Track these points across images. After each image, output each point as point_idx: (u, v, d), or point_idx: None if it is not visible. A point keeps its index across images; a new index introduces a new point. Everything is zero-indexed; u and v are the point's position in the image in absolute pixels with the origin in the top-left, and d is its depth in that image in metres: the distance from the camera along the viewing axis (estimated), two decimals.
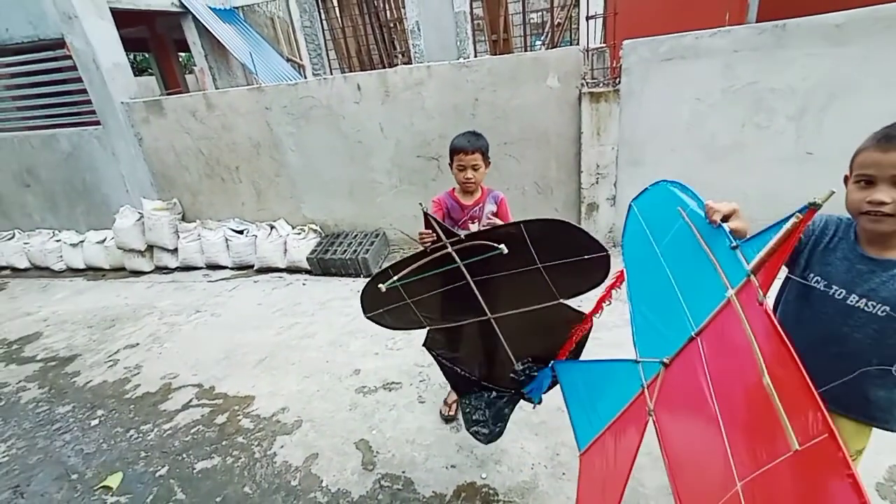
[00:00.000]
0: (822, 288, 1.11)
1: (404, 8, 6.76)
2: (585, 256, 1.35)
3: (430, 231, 1.49)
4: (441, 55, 5.95)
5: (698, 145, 3.53)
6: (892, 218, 0.96)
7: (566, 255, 1.38)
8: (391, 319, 1.72)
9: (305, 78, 7.73)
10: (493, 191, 2.08)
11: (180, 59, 9.46)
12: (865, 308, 1.04)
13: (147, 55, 10.52)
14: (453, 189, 2.08)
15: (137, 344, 3.41)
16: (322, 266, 4.24)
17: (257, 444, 2.28)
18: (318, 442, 2.24)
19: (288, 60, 7.61)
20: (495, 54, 6.07)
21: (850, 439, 1.18)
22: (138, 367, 3.10)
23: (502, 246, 1.35)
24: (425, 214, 1.48)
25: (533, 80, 3.68)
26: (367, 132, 4.20)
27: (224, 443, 2.32)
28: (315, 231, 4.60)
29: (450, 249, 1.47)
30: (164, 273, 4.86)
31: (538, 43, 11.10)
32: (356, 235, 4.45)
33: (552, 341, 1.59)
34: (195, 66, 7.18)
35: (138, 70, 13.29)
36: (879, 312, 1.02)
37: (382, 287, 1.51)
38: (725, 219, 0.91)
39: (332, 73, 8.16)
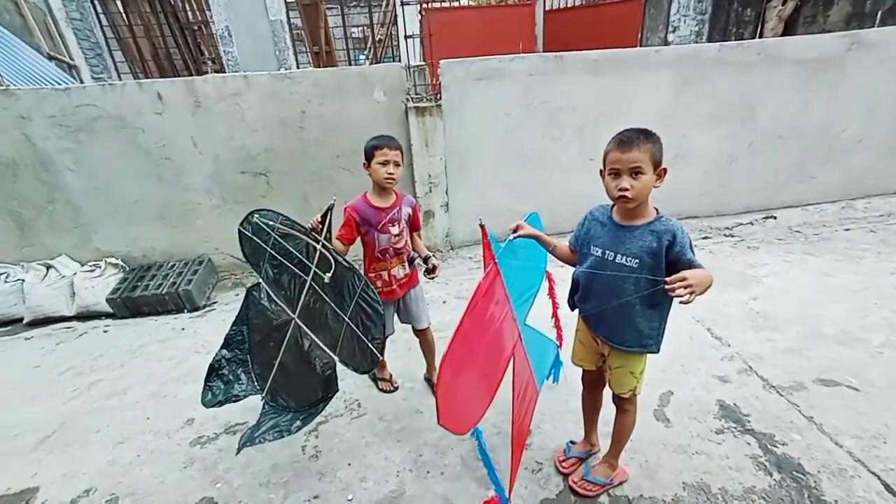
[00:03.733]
0: (599, 254, 1.51)
1: (209, 10, 6.13)
2: (369, 343, 1.74)
3: (321, 222, 1.76)
4: (259, 65, 5.57)
5: (511, 154, 4.07)
6: (633, 200, 1.36)
7: (362, 331, 1.75)
8: (256, 258, 1.81)
9: (81, 82, 6.35)
10: (406, 195, 2.15)
11: None
12: (626, 262, 1.43)
13: None
14: (365, 193, 2.06)
15: None
16: (130, 306, 3.51)
17: None
18: None
19: (50, 58, 6.12)
20: (319, 67, 5.95)
21: (632, 365, 1.59)
22: None
23: (329, 274, 1.69)
24: (329, 209, 1.77)
25: (360, 94, 3.73)
26: (175, 147, 3.66)
27: None
28: (115, 266, 3.79)
29: (319, 246, 1.75)
30: None
31: (362, 57, 11.31)
32: (173, 265, 3.83)
33: (308, 388, 1.83)
34: None
35: None
36: (633, 264, 1.42)
37: (255, 217, 1.74)
38: (515, 231, 1.59)
39: (120, 79, 6.88)
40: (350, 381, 2.55)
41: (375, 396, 2.43)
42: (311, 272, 1.75)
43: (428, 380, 2.49)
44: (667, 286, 1.22)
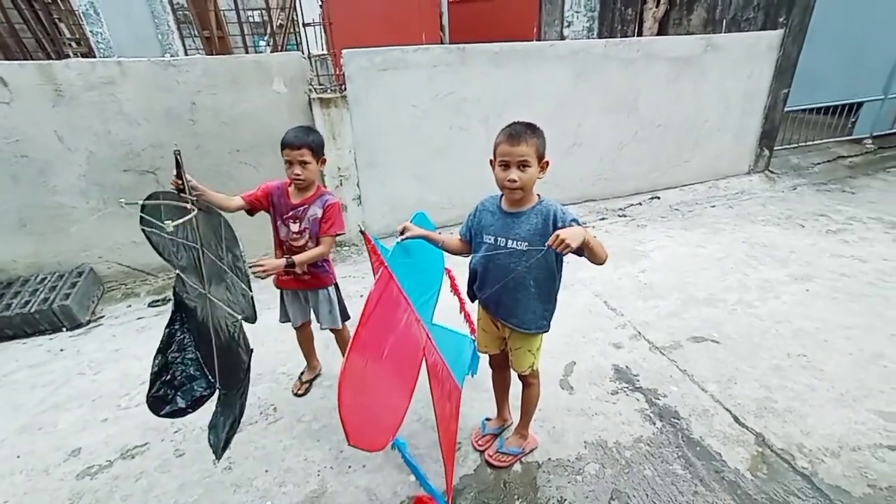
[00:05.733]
0: (491, 241, 1.59)
1: None
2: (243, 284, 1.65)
3: (178, 176, 1.57)
4: (139, 50, 4.99)
5: (420, 145, 4.10)
6: (520, 190, 1.48)
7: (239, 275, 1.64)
8: (157, 242, 1.63)
9: None
10: (326, 194, 2.00)
11: None
12: (517, 246, 1.53)
13: None
14: (289, 182, 1.97)
15: None
16: None
17: None
18: None
19: None
20: (211, 53, 5.46)
21: (530, 344, 1.71)
22: None
23: (179, 222, 1.44)
24: (177, 159, 1.53)
25: (258, 84, 3.51)
26: (34, 143, 3.16)
27: None
28: None
29: (189, 206, 1.57)
30: None
31: (262, 43, 10.58)
32: (44, 279, 3.33)
33: (239, 360, 1.64)
34: None
35: None
36: (523, 247, 1.52)
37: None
38: (402, 233, 1.61)
39: None
40: (264, 386, 2.45)
41: (291, 399, 2.35)
42: (199, 238, 1.59)
43: None
44: (547, 245, 1.31)
